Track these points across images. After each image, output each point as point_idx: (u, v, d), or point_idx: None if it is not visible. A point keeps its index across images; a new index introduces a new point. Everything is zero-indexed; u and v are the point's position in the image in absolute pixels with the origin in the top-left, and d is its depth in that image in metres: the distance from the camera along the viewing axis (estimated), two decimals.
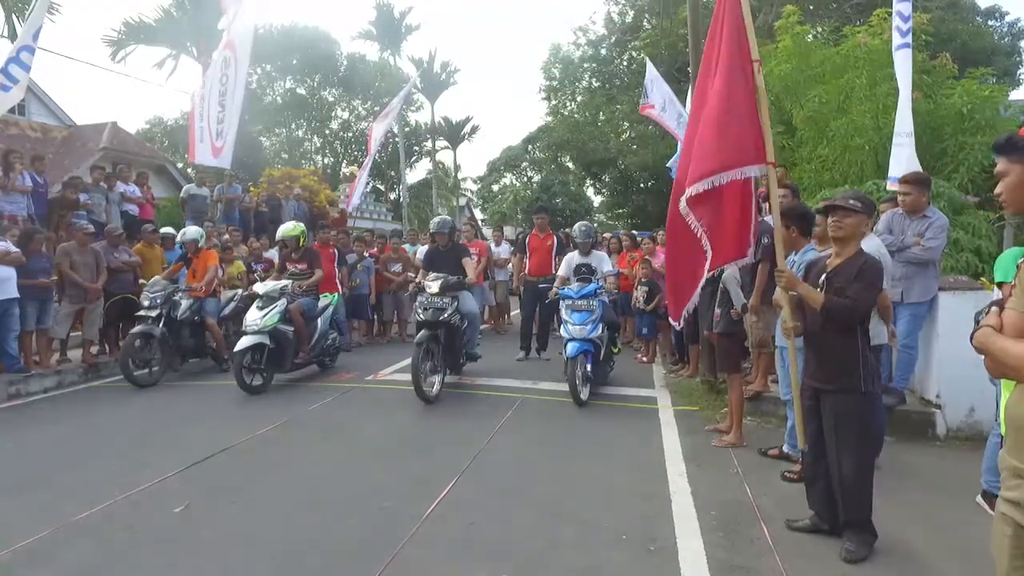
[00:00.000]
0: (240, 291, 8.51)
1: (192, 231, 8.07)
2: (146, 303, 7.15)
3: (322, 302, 7.66)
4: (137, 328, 7.02)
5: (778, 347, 4.50)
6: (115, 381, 7.05)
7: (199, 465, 4.39)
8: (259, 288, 6.97)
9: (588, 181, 36.07)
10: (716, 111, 3.62)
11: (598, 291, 6.30)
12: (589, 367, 6.00)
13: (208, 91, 9.88)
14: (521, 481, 4.14)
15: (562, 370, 6.20)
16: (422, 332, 6.07)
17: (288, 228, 7.66)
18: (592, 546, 3.22)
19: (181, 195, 12.06)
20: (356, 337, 9.84)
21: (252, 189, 14.50)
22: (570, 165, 37.38)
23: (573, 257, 6.90)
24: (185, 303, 7.45)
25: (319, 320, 7.42)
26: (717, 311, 5.01)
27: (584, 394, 5.88)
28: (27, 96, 19.67)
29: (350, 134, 33.91)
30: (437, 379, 6.15)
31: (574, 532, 3.38)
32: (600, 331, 6.06)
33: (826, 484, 3.18)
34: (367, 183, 14.79)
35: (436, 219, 7.37)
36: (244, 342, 6.39)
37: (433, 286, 6.17)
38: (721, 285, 4.96)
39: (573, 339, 5.94)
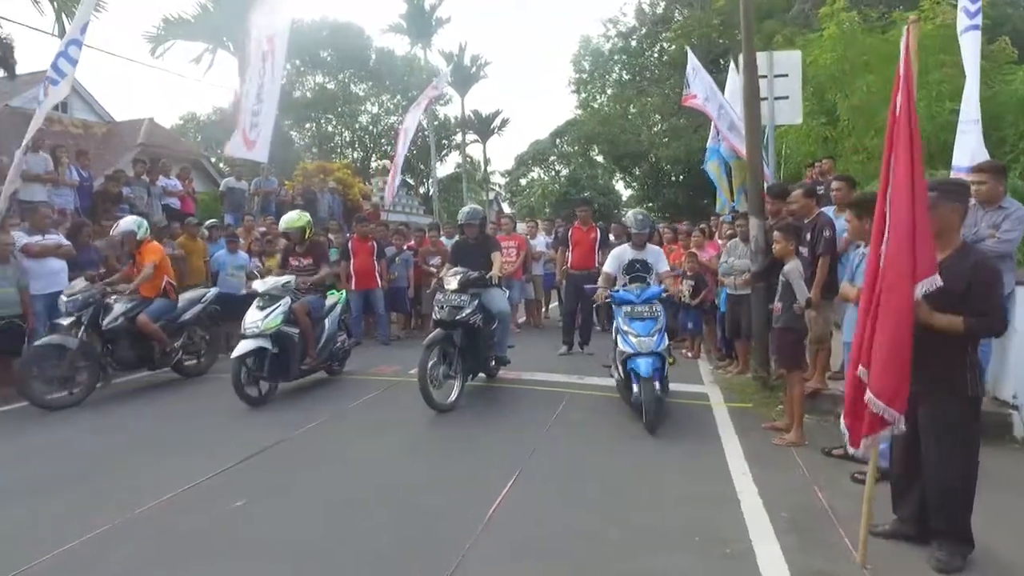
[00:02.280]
0: (211, 290, 7.57)
1: (127, 222, 6.73)
2: (62, 309, 6.03)
3: (329, 300, 6.93)
4: (43, 339, 5.92)
5: (846, 344, 4.32)
6: (160, 373, 7.02)
7: (247, 462, 4.35)
8: (258, 285, 6.22)
9: (618, 175, 35.75)
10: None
11: (661, 295, 5.45)
12: (659, 386, 5.02)
13: (248, 84, 9.91)
14: (580, 481, 4.03)
15: (607, 364, 5.71)
16: (434, 332, 5.63)
17: (292, 218, 6.79)
18: (664, 550, 3.10)
19: (220, 189, 12.17)
20: (395, 330, 9.81)
21: (287, 183, 14.56)
22: (599, 159, 37.09)
23: (624, 252, 6.00)
24: (119, 307, 6.29)
25: (327, 320, 6.70)
26: (778, 305, 4.82)
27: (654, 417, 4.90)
28: (69, 93, 20.09)
29: (379, 128, 34.03)
30: (455, 386, 5.62)
31: (644, 535, 3.26)
32: (666, 341, 5.27)
33: (918, 490, 3.01)
34: (398, 177, 14.76)
35: (466, 209, 6.73)
36: (242, 347, 5.67)
37: (452, 282, 5.71)
38: (783, 279, 4.78)
39: (640, 354, 5.03)
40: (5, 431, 5.24)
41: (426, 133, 24.50)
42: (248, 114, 10.00)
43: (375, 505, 3.67)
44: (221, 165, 21.46)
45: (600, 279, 6.04)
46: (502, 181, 44.55)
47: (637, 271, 5.81)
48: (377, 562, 3.02)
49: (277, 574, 2.94)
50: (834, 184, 6.05)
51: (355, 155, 33.23)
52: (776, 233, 4.89)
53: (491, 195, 38.69)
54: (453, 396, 5.58)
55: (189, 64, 37.49)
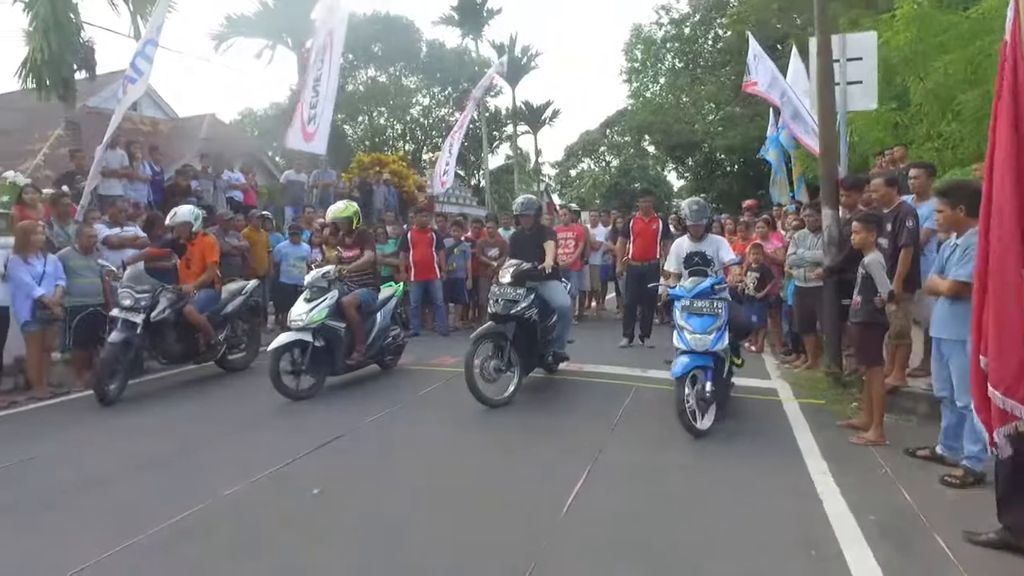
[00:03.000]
0: (251, 282, 7.41)
1: (184, 212, 6.65)
2: (127, 302, 5.81)
3: (384, 293, 6.78)
4: (116, 336, 5.76)
5: (935, 339, 4.10)
6: (193, 368, 6.97)
7: (318, 451, 4.42)
8: (306, 278, 6.17)
9: (670, 165, 35.16)
10: None
11: (717, 286, 5.02)
12: (710, 385, 4.68)
13: (307, 78, 10.11)
14: (654, 475, 3.97)
15: (670, 360, 5.20)
16: (484, 326, 5.58)
17: (338, 208, 6.59)
18: (749, 549, 3.02)
19: (281, 181, 12.47)
20: (453, 321, 9.87)
21: (343, 175, 14.83)
22: (650, 149, 36.56)
23: (682, 244, 5.56)
24: (164, 299, 6.15)
25: (379, 314, 6.54)
26: (857, 298, 4.62)
27: (706, 421, 4.66)
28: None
29: (430, 120, 34.35)
30: (512, 380, 5.52)
31: (725, 533, 3.18)
32: (726, 341, 4.86)
33: None
34: (453, 167, 14.86)
35: (520, 199, 6.50)
36: (281, 339, 5.65)
37: (505, 275, 5.60)
38: (862, 271, 4.58)
39: (691, 352, 4.69)
40: (66, 423, 5.38)
41: (477, 125, 24.59)
42: (307, 107, 10.19)
43: (450, 494, 3.69)
44: (277, 158, 22.03)
45: (663, 277, 5.54)
46: (552, 172, 44.45)
47: (696, 264, 5.35)
48: (458, 551, 3.03)
49: (360, 561, 2.96)
50: (912, 172, 5.75)
51: (406, 147, 33.62)
52: (856, 223, 4.68)
53: (541, 186, 38.58)
54: (509, 391, 5.48)
55: (251, 60, 38.53)
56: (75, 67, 9.98)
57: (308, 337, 5.68)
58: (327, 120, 10.81)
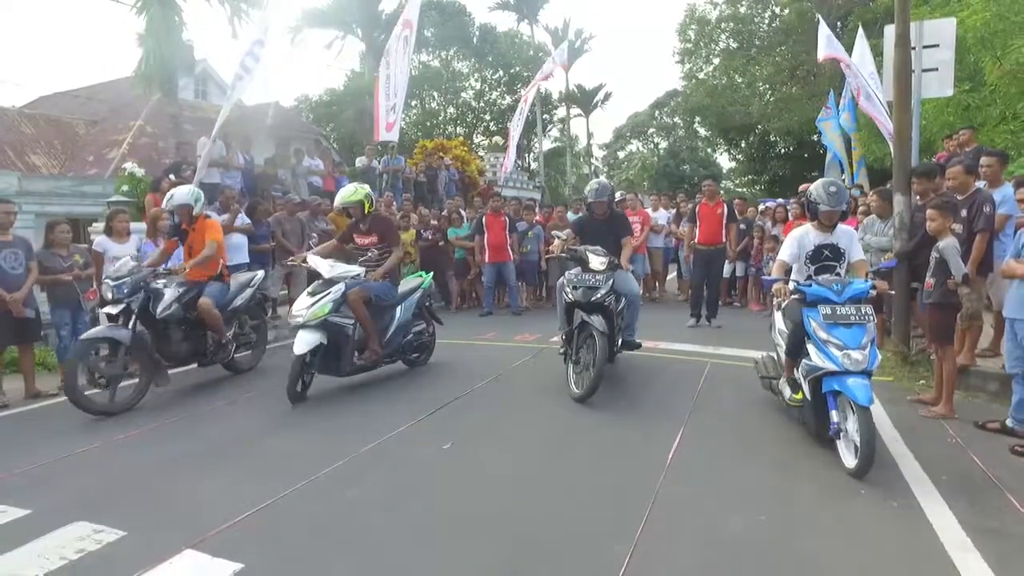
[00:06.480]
0: (259, 273, 6.66)
1: (182, 193, 5.87)
2: (109, 295, 5.16)
3: (408, 284, 6.23)
4: (92, 332, 5.15)
5: (1008, 319, 4.38)
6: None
7: (436, 414, 4.94)
8: (324, 269, 5.50)
9: (722, 147, 34.79)
10: None
11: (868, 293, 4.05)
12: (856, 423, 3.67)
13: (392, 70, 10.61)
14: (742, 438, 4.36)
15: (768, 376, 4.92)
16: (581, 316, 5.23)
17: (349, 192, 5.95)
18: (833, 501, 3.40)
19: (357, 167, 13.07)
20: (524, 301, 10.32)
21: (409, 161, 15.39)
22: (701, 130, 36.20)
23: (806, 235, 4.45)
24: (170, 292, 5.46)
25: (399, 308, 5.97)
26: (930, 281, 4.90)
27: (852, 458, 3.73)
28: (206, 80, 21.89)
29: (481, 104, 34.74)
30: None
31: (812, 487, 3.57)
32: (879, 357, 4.05)
33: None
34: (513, 156, 15.35)
35: (594, 184, 6.11)
36: (304, 342, 5.10)
37: (596, 262, 5.34)
38: (936, 255, 4.84)
39: (848, 372, 3.76)
40: (187, 390, 5.99)
41: (531, 109, 24.90)
42: (387, 97, 10.72)
43: (562, 449, 4.20)
44: (333, 143, 22.80)
45: (775, 268, 4.60)
46: (600, 154, 44.38)
47: (825, 259, 4.40)
48: (581, 495, 3.50)
49: (497, 507, 3.44)
50: (984, 160, 5.87)
51: (459, 132, 34.15)
52: (932, 211, 4.92)
53: (591, 169, 38.62)
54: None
55: (322, 51, 39.25)
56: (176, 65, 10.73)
57: (321, 337, 5.22)
58: (400, 108, 11.35)
